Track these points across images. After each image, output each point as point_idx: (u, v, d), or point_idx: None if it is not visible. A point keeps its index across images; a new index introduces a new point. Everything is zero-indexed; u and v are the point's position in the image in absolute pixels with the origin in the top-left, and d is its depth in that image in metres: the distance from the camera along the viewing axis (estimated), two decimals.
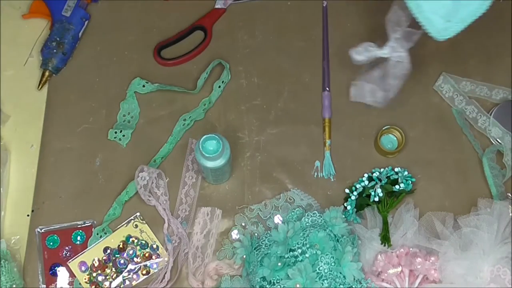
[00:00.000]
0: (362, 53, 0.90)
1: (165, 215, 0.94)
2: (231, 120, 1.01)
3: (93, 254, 0.93)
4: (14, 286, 0.89)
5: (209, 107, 1.01)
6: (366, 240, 0.90)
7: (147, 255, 0.94)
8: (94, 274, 0.93)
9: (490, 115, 0.99)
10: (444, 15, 0.81)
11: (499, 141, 0.98)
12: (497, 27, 1.05)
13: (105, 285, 0.92)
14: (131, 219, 0.95)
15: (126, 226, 0.95)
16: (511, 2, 1.06)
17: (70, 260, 0.93)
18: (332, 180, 0.97)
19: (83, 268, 0.93)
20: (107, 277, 0.93)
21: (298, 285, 0.83)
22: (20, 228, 0.94)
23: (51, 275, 0.93)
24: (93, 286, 0.92)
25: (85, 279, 0.92)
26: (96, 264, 0.93)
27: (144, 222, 0.95)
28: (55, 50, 1.00)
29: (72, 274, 0.93)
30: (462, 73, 1.02)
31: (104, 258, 0.93)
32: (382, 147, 0.97)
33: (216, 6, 1.06)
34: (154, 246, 0.94)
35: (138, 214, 0.95)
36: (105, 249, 0.94)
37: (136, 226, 0.95)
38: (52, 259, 0.93)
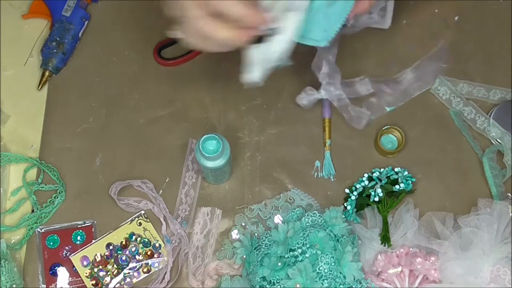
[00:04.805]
0: (304, 98, 0.96)
1: (162, 215, 0.94)
2: (231, 120, 1.01)
3: (96, 249, 0.93)
4: (14, 286, 0.89)
5: None
6: (366, 240, 0.90)
7: (149, 253, 0.94)
8: (96, 269, 0.93)
9: (490, 115, 0.99)
10: (322, 29, 0.81)
11: (499, 141, 0.98)
12: (497, 27, 1.05)
13: (106, 281, 0.92)
14: (135, 217, 0.95)
15: (130, 223, 0.95)
16: (511, 2, 1.06)
17: (73, 254, 0.93)
18: (332, 180, 0.97)
19: (85, 263, 0.93)
20: (108, 273, 0.93)
21: (298, 285, 0.83)
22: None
23: (51, 275, 0.93)
24: (94, 281, 0.92)
25: (86, 273, 0.93)
26: (98, 259, 0.93)
27: (148, 220, 0.95)
28: (55, 50, 1.00)
29: (72, 270, 0.93)
30: (462, 73, 1.01)
31: (107, 254, 0.94)
32: (382, 147, 0.97)
33: None
34: (157, 244, 0.94)
35: (142, 212, 0.95)
36: (107, 245, 0.94)
37: (140, 224, 0.95)
38: (52, 259, 0.93)
